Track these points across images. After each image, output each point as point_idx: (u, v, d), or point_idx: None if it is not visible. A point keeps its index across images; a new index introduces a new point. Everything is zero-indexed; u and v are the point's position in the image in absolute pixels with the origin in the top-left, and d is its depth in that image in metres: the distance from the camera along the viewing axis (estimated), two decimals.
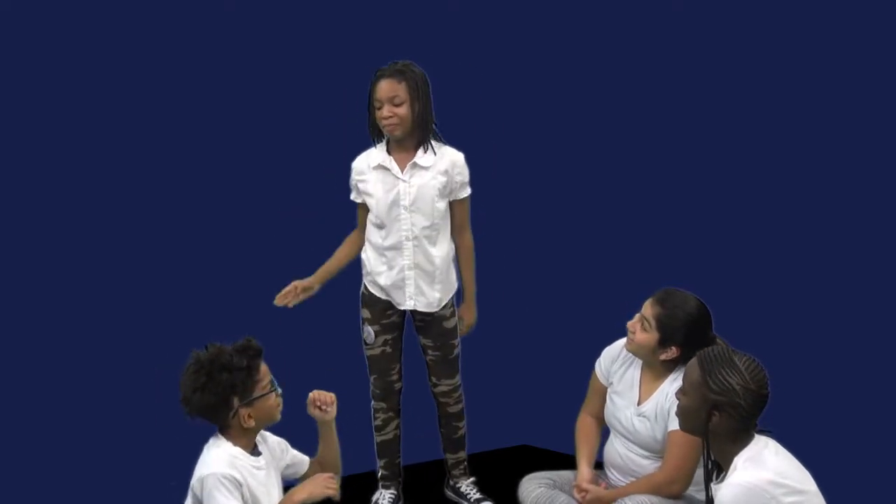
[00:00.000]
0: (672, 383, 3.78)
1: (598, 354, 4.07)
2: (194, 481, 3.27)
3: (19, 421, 4.61)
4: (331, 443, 3.56)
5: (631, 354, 3.91)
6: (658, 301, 3.76)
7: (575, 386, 4.16)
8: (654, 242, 5.17)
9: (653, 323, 3.74)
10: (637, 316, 3.81)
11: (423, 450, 4.69)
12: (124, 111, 4.84)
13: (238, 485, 3.24)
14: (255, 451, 3.37)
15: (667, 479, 3.72)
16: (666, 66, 5.20)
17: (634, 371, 3.92)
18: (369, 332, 4.30)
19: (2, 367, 4.63)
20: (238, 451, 3.31)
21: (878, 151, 4.66)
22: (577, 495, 3.86)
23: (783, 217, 4.86)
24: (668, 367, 3.82)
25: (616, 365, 3.98)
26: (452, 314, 4.37)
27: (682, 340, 3.73)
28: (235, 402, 3.29)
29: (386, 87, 4.12)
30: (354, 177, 4.28)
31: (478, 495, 4.51)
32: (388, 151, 4.22)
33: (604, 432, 4.06)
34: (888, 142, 4.63)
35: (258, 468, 3.34)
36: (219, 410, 3.29)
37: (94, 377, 4.77)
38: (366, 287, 4.33)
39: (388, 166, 4.21)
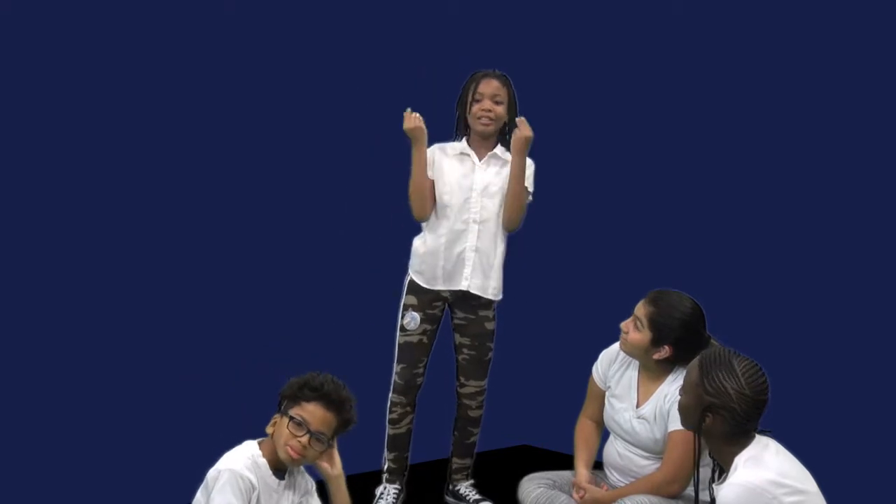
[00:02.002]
0: (670, 385, 3.78)
1: (598, 354, 4.07)
2: (212, 471, 3.29)
3: (21, 422, 4.61)
4: (340, 500, 3.47)
5: (628, 357, 3.92)
6: (651, 301, 3.77)
7: (575, 386, 4.17)
8: (654, 243, 5.17)
9: (645, 322, 3.75)
10: (631, 316, 3.82)
11: (425, 449, 4.69)
12: (128, 114, 4.84)
13: (252, 489, 3.26)
14: (280, 474, 3.37)
15: (666, 478, 3.72)
16: (660, 70, 5.21)
17: (632, 373, 3.93)
18: (414, 317, 4.35)
19: (4, 367, 4.63)
20: (264, 463, 3.33)
21: (876, 151, 4.66)
22: (575, 496, 3.87)
23: (780, 218, 4.87)
24: (666, 368, 3.83)
25: (613, 368, 3.98)
26: (494, 317, 4.47)
27: (674, 340, 3.74)
28: (281, 404, 3.39)
29: (493, 85, 4.33)
30: (435, 153, 4.38)
31: (476, 496, 4.51)
32: (470, 144, 4.39)
33: (603, 433, 4.06)
34: (886, 142, 4.63)
35: (274, 490, 3.34)
36: (278, 406, 3.41)
37: (109, 381, 4.78)
38: (413, 277, 4.40)
39: (468, 153, 4.37)
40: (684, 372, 3.64)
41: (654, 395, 3.83)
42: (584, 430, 4.06)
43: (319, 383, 3.34)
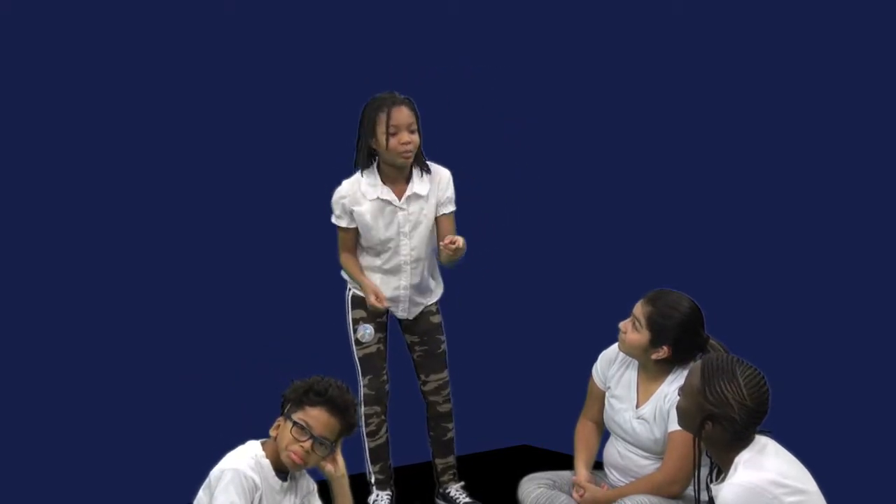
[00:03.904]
0: (670, 385, 3.78)
1: (598, 354, 4.07)
2: (215, 470, 3.29)
3: (22, 422, 4.62)
4: (343, 501, 3.47)
5: (627, 357, 3.93)
6: (649, 301, 3.77)
7: (575, 386, 4.16)
8: (654, 244, 5.17)
9: (643, 322, 3.75)
10: (630, 317, 3.83)
11: (411, 452, 4.68)
12: (127, 115, 4.85)
13: (255, 489, 3.26)
14: (283, 475, 3.37)
15: (667, 479, 3.72)
16: (660, 69, 5.20)
17: (631, 374, 3.93)
18: (368, 328, 4.31)
19: (4, 368, 4.63)
20: (267, 464, 3.33)
21: (875, 151, 4.66)
22: (574, 495, 3.87)
23: (779, 217, 4.86)
24: (665, 367, 3.83)
25: (613, 369, 3.99)
26: (438, 310, 4.45)
27: (673, 340, 3.74)
28: (284, 407, 3.37)
29: (406, 114, 4.14)
30: (347, 203, 4.25)
31: (467, 499, 4.50)
32: (382, 181, 4.24)
33: (604, 434, 4.06)
34: (886, 142, 4.63)
35: (277, 491, 3.34)
36: (281, 407, 3.40)
37: (103, 381, 4.78)
38: (355, 291, 4.38)
39: (388, 198, 4.23)
40: (684, 372, 3.66)
41: (654, 395, 3.83)
42: (584, 431, 4.06)
43: (324, 388, 3.33)
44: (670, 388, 3.76)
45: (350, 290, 4.39)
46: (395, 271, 4.30)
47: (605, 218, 5.39)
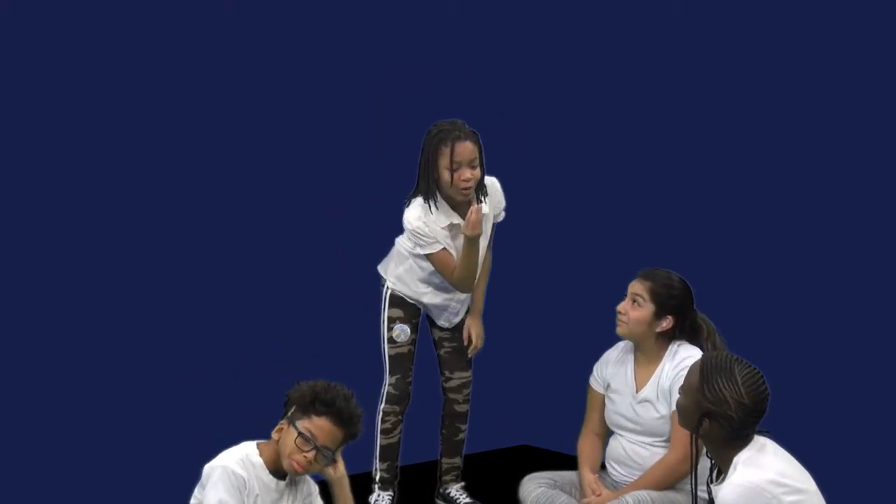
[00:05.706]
0: (670, 361, 3.87)
1: (598, 354, 4.11)
2: (206, 467, 3.29)
3: (22, 422, 4.62)
4: (345, 502, 3.46)
5: (622, 355, 4.01)
6: (645, 277, 3.91)
7: (575, 387, 4.17)
8: (654, 244, 5.17)
9: (646, 296, 3.87)
10: (626, 299, 3.92)
11: (414, 452, 4.69)
12: (128, 115, 4.84)
13: (244, 485, 3.26)
14: (281, 475, 3.37)
15: (678, 457, 3.78)
16: (653, 67, 5.21)
17: (628, 366, 3.99)
18: (404, 329, 4.33)
19: (4, 368, 4.63)
20: (259, 462, 3.32)
21: (873, 148, 4.66)
22: (589, 498, 3.89)
23: (778, 218, 4.87)
24: (662, 345, 3.91)
25: (610, 368, 4.05)
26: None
27: (673, 308, 3.86)
28: (289, 409, 3.35)
29: (469, 149, 4.09)
30: (431, 233, 4.18)
31: (467, 499, 4.51)
32: (451, 207, 4.21)
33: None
34: (884, 138, 4.63)
35: (274, 489, 3.34)
36: (285, 406, 3.38)
37: (102, 382, 4.78)
38: (395, 290, 4.36)
39: (459, 223, 4.20)
40: (679, 350, 3.86)
41: (654, 375, 3.90)
42: (586, 444, 4.08)
43: (331, 398, 3.31)
44: (669, 365, 3.86)
45: (388, 287, 4.38)
46: (450, 289, 4.31)
47: (605, 219, 5.39)
